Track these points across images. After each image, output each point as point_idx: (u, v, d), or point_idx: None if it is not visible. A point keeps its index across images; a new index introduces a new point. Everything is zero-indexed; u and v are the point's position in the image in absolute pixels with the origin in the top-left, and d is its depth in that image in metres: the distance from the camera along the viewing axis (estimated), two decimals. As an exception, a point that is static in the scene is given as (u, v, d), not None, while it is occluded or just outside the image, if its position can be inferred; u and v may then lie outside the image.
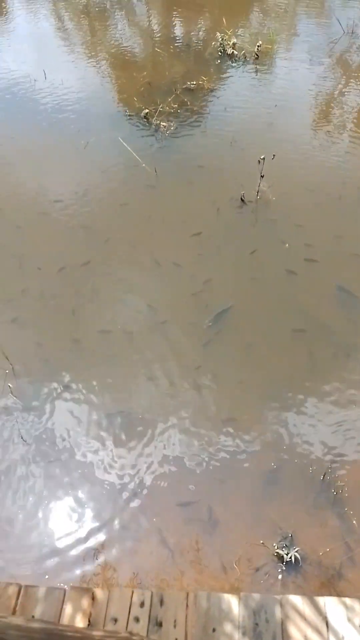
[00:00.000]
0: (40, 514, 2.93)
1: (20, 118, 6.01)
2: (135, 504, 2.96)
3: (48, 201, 4.88)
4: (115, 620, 2.17)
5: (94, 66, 7.04)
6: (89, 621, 2.16)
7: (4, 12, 8.93)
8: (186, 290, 4.08)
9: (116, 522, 2.87)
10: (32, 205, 4.85)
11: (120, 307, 3.99)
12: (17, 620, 1.71)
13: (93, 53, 7.40)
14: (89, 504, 2.95)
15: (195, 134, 5.70)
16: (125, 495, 2.99)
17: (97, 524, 2.87)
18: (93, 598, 2.22)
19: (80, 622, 2.13)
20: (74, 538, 2.81)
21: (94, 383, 3.52)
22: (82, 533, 2.83)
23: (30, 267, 4.29)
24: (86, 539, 2.81)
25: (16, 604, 2.22)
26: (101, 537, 2.81)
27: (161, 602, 2.21)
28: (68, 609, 2.19)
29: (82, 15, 8.76)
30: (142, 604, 2.19)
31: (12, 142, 5.65)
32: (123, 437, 3.26)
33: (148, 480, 3.07)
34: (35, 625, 1.68)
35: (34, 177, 5.13)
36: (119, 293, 4.09)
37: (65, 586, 2.39)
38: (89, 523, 2.87)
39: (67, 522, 2.87)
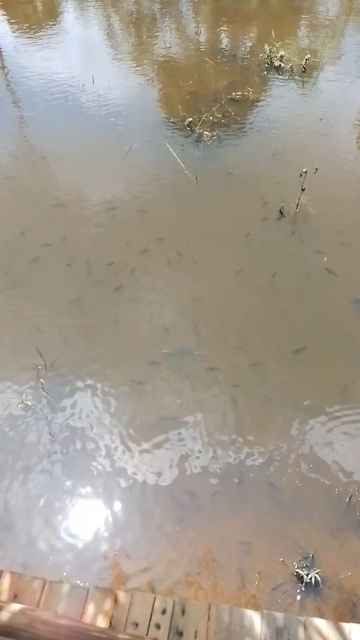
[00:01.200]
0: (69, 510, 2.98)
1: (68, 121, 6.15)
2: (163, 516, 2.97)
3: (88, 203, 4.97)
4: (136, 624, 2.18)
5: (141, 73, 7.17)
6: (110, 623, 2.18)
7: (57, 18, 9.20)
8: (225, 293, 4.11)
9: (150, 529, 2.89)
10: (74, 206, 4.94)
11: (157, 310, 4.03)
12: (45, 615, 1.74)
13: (140, 60, 7.54)
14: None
15: (237, 144, 5.72)
16: (156, 515, 3.00)
17: (124, 526, 2.90)
18: (115, 600, 2.24)
19: (101, 623, 2.15)
20: (106, 535, 2.84)
21: (126, 387, 3.56)
22: (112, 531, 2.86)
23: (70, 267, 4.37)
24: (111, 538, 2.85)
25: (40, 598, 2.26)
26: (127, 541, 2.83)
27: (183, 612, 2.21)
28: (90, 608, 2.22)
29: (132, 24, 8.95)
30: (163, 611, 2.20)
31: (59, 144, 5.79)
32: (153, 442, 3.29)
33: (178, 495, 3.08)
34: (63, 622, 1.71)
35: (78, 179, 5.24)
36: (157, 295, 4.12)
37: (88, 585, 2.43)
38: (116, 525, 2.90)
39: (95, 521, 2.91)
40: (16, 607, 1.74)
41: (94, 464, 3.16)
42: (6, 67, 7.58)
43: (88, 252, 4.46)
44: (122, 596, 2.27)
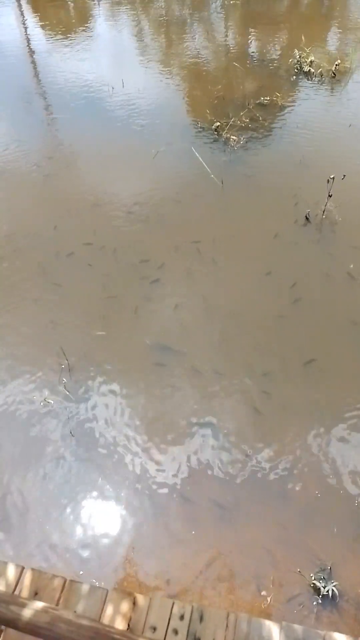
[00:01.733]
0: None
1: (97, 123, 6.24)
2: (181, 519, 2.97)
3: (115, 204, 5.02)
4: (154, 628, 2.18)
5: (170, 77, 7.22)
6: (128, 625, 2.19)
7: (89, 23, 9.34)
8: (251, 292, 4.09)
9: (167, 531, 2.90)
10: (102, 207, 5.00)
11: (181, 310, 4.04)
12: (67, 614, 1.76)
13: (170, 64, 7.60)
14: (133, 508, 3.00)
15: (264, 149, 5.70)
16: (174, 517, 3.01)
17: (142, 527, 2.91)
18: (134, 603, 2.25)
19: (119, 625, 2.16)
20: (124, 535, 2.86)
21: (146, 388, 3.58)
22: (130, 532, 2.88)
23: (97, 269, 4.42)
24: (128, 538, 2.86)
25: (60, 597, 2.29)
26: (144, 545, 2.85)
27: (201, 618, 2.20)
28: (109, 609, 2.23)
29: (162, 28, 9.02)
30: (181, 617, 2.20)
31: (88, 146, 5.87)
32: (168, 444, 3.29)
33: (198, 499, 3.07)
34: (84, 622, 1.72)
35: (106, 181, 5.30)
36: (178, 298, 4.14)
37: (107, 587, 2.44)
38: (134, 525, 2.92)
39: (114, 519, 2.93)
40: (39, 604, 1.77)
41: (113, 463, 3.17)
42: (39, 70, 7.74)
43: (113, 254, 4.50)
44: (140, 599, 2.28)
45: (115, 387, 3.57)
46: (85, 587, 2.32)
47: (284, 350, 3.76)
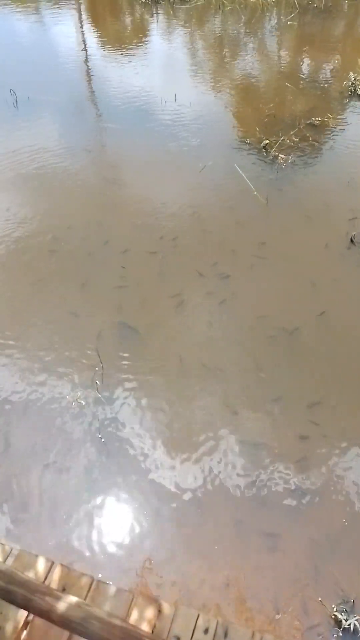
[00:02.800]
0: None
1: (147, 135, 6.39)
2: (207, 534, 2.97)
3: (159, 216, 5.11)
4: (178, 638, 2.18)
5: (222, 94, 7.35)
6: (152, 632, 2.19)
7: (145, 37, 9.63)
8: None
9: (191, 543, 2.90)
10: (143, 218, 5.10)
11: (211, 329, 4.06)
12: (100, 612, 1.78)
13: (222, 81, 7.74)
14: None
15: (312, 169, 5.70)
16: (198, 530, 3.01)
17: (164, 534, 2.92)
18: (159, 610, 2.26)
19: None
20: (145, 540, 2.88)
21: (181, 399, 3.60)
22: (153, 537, 2.89)
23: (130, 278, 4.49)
24: (150, 543, 2.87)
25: (86, 596, 2.31)
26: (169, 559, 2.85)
27: (225, 634, 2.19)
28: (134, 614, 2.24)
29: (216, 45, 9.20)
30: (206, 631, 2.19)
31: (138, 156, 6.01)
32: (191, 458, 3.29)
33: (223, 517, 3.06)
34: (116, 622, 1.74)
35: (148, 192, 5.41)
36: (211, 314, 4.16)
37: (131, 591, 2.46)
38: (158, 532, 2.93)
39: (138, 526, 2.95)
40: (73, 599, 1.80)
41: (139, 469, 3.19)
42: (93, 79, 8.01)
43: (153, 266, 4.57)
44: (166, 607, 2.28)
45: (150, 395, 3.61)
46: (112, 589, 2.35)
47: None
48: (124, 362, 3.80)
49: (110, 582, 2.42)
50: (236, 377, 3.69)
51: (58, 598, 1.77)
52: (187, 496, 3.07)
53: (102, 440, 3.34)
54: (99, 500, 3.06)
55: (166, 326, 4.04)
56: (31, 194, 5.45)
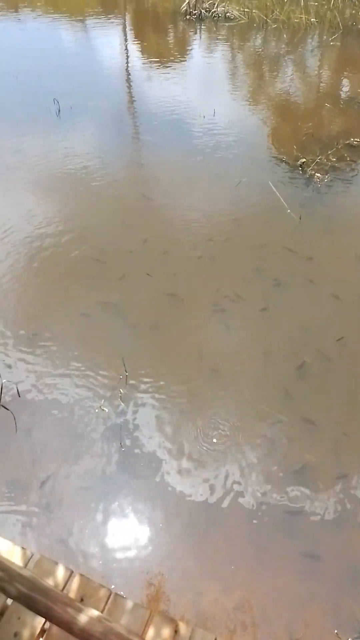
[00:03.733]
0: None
1: (185, 147, 6.47)
2: (225, 553, 2.92)
3: (191, 228, 5.14)
4: (193, 661, 2.14)
5: (261, 111, 7.40)
6: (167, 652, 2.16)
7: (187, 52, 9.79)
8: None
9: (207, 560, 2.86)
10: (177, 233, 5.14)
11: (241, 341, 4.03)
12: (119, 627, 1.77)
13: (262, 98, 7.79)
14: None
15: (349, 190, 5.66)
16: (216, 548, 2.97)
17: (181, 550, 2.89)
18: (176, 631, 2.22)
19: (159, 650, 2.14)
20: (164, 554, 2.85)
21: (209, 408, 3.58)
22: (171, 552, 2.86)
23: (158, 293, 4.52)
24: (167, 559, 2.84)
25: (104, 609, 2.30)
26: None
27: (242, 661, 2.14)
28: (151, 631, 2.21)
29: (257, 63, 9.28)
30: (222, 655, 2.14)
31: (173, 168, 6.09)
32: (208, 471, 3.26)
33: (238, 540, 3.01)
34: (134, 639, 1.72)
35: (185, 204, 5.46)
36: (234, 331, 4.13)
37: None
38: (177, 547, 2.90)
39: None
40: (94, 613, 1.79)
41: (160, 480, 3.17)
42: (134, 91, 8.17)
43: (184, 280, 4.58)
44: (182, 628, 2.25)
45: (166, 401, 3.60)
46: (129, 604, 2.32)
47: None
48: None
49: (127, 598, 2.39)
50: (277, 386, 3.66)
51: (79, 610, 1.77)
52: (212, 512, 3.04)
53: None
54: (116, 508, 3.06)
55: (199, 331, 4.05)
56: (66, 200, 5.56)
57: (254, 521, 3.02)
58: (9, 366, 3.80)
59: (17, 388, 3.62)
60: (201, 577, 2.82)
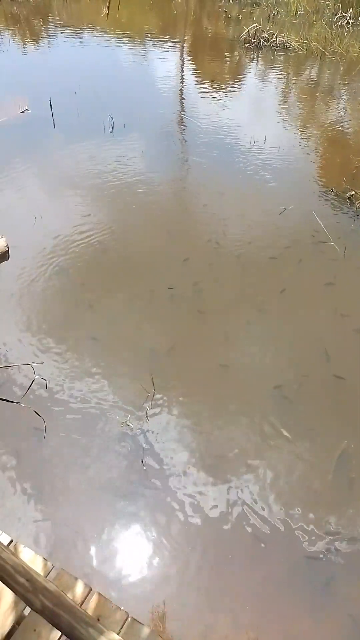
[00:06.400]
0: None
1: (233, 172, 6.54)
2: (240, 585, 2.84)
3: (232, 248, 5.16)
4: None
5: (312, 141, 7.41)
6: None
7: (241, 78, 9.97)
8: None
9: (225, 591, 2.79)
10: (217, 250, 5.17)
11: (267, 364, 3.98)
12: (137, 657, 1.73)
13: (314, 129, 7.81)
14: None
15: None
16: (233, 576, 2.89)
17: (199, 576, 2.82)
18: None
19: None
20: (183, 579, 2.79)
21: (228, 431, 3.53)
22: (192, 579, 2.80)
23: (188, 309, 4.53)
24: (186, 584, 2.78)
25: (120, 632, 2.26)
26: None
27: None
28: (165, 663, 2.16)
29: (311, 92, 9.33)
30: None
31: (219, 190, 6.15)
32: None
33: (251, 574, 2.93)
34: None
35: (228, 227, 5.49)
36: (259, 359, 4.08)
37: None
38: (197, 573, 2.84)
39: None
40: (115, 637, 1.76)
41: (180, 503, 3.13)
42: (186, 115, 8.34)
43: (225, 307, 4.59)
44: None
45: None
46: (145, 630, 2.27)
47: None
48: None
49: (144, 624, 2.35)
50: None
51: (101, 632, 1.75)
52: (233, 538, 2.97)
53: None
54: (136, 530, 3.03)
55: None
56: (112, 211, 5.70)
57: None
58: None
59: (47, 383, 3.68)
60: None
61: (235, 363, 4.03)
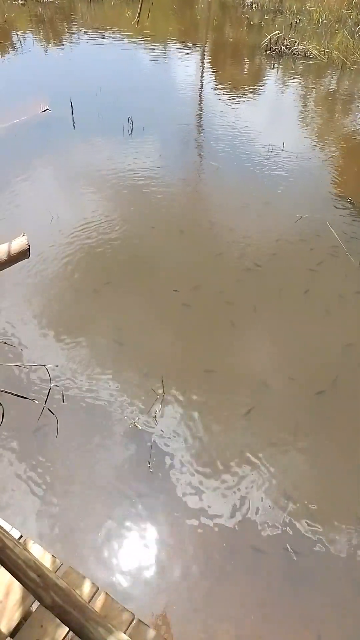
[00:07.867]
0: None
1: (250, 177, 6.55)
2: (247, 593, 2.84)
3: (247, 255, 5.16)
4: None
5: (330, 150, 7.40)
6: None
7: (260, 85, 9.98)
8: None
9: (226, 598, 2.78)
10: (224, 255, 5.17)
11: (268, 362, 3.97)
12: (145, 659, 1.74)
13: (332, 138, 7.81)
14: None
15: None
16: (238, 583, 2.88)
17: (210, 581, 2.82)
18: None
19: None
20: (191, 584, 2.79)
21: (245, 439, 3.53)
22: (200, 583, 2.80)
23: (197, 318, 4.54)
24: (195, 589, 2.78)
25: (125, 633, 2.26)
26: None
27: None
28: (170, 666, 2.16)
29: (330, 102, 9.33)
30: None
31: (234, 196, 6.16)
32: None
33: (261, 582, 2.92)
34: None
35: (243, 233, 5.49)
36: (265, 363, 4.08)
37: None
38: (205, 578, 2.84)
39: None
40: (124, 637, 1.77)
41: (185, 509, 3.13)
42: (205, 119, 8.38)
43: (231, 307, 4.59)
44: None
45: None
46: (151, 633, 2.28)
47: None
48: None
49: (150, 626, 2.35)
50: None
51: (110, 632, 1.75)
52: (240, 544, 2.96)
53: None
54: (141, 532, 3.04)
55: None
56: (128, 213, 5.73)
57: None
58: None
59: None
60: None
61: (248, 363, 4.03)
